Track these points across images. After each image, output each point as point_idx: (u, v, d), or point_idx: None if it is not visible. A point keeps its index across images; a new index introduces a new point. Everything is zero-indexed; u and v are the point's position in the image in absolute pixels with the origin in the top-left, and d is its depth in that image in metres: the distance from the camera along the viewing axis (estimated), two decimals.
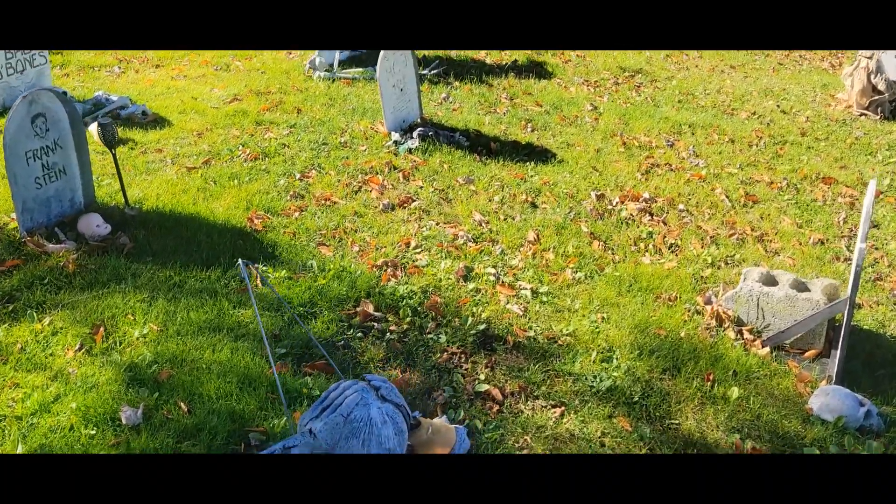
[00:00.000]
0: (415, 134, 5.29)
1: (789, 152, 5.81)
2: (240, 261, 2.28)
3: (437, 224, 4.27)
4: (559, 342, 3.32)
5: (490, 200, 4.60)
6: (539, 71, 7.48)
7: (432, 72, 7.01)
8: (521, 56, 7.93)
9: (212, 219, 4.05)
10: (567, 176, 5.05)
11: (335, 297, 3.45)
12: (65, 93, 5.56)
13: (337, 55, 6.84)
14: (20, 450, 2.47)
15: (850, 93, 7.03)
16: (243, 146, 5.04)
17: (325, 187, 4.57)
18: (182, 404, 2.73)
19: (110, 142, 3.92)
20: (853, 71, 7.08)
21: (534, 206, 4.60)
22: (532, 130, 5.84)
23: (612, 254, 4.11)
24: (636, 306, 3.61)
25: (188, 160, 4.79)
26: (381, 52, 5.16)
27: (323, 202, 4.39)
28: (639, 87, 7.28)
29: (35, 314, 3.17)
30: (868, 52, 6.82)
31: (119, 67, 6.70)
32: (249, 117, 5.58)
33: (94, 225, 3.78)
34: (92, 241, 3.72)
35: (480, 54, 7.90)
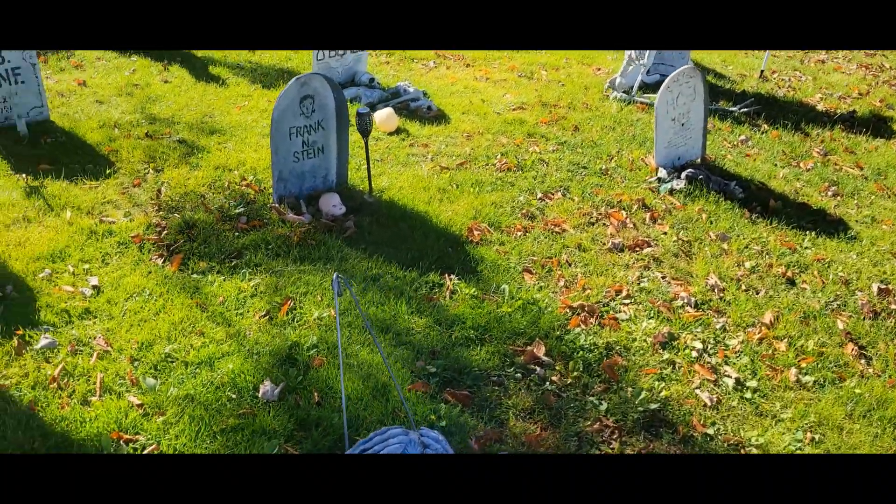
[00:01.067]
0: (683, 174, 4.82)
1: None
2: (335, 275, 2.24)
3: (664, 277, 3.84)
4: (741, 451, 2.77)
5: (739, 265, 4.01)
6: (880, 127, 6.34)
7: (742, 110, 6.34)
8: (863, 106, 6.81)
9: (435, 221, 4.11)
10: (852, 257, 4.20)
11: (511, 329, 3.28)
12: (372, 79, 6.09)
13: (639, 78, 6.52)
14: (172, 393, 2.75)
15: None
16: (503, 155, 5.05)
17: (562, 212, 4.38)
18: (316, 394, 2.81)
19: (363, 130, 4.17)
20: None
21: (791, 283, 3.90)
22: (833, 195, 4.97)
23: (866, 365, 3.32)
24: (866, 437, 2.87)
25: (446, 159, 4.93)
26: (666, 82, 4.77)
27: (551, 227, 4.20)
28: None
29: (248, 273, 3.51)
30: None
31: (434, 62, 7.15)
32: (525, 127, 5.57)
33: (331, 204, 4.07)
34: (325, 219, 4.01)
35: (813, 98, 6.95)
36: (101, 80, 5.71)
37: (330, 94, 4.08)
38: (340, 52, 6.00)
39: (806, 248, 4.26)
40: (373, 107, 5.63)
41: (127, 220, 3.85)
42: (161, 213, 3.97)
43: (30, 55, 4.64)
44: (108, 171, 4.31)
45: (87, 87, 5.57)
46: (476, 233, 4.06)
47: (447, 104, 5.93)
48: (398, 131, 5.31)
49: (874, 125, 6.38)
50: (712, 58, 8.00)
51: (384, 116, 5.23)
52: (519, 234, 4.12)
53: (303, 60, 6.81)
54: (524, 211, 4.34)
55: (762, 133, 5.91)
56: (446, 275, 3.63)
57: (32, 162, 4.31)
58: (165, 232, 3.77)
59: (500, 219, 4.23)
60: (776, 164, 5.37)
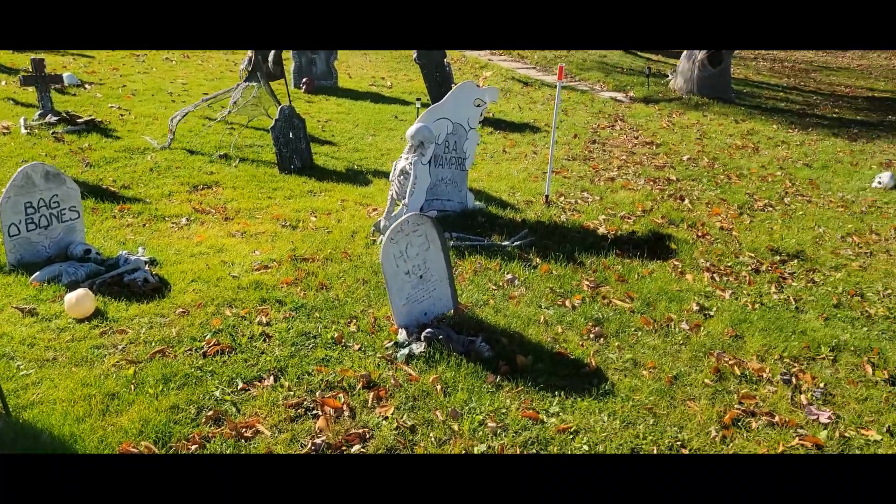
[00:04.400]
0: (423, 335, 4.18)
1: None
2: None
3: None
4: None
5: (466, 451, 3.31)
6: (657, 248, 6.07)
7: (515, 244, 5.91)
8: (644, 225, 6.58)
9: (79, 446, 3.20)
10: (603, 419, 3.61)
11: None
12: (88, 250, 5.23)
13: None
14: None
15: None
16: (216, 333, 4.25)
17: (262, 406, 3.58)
18: None
19: None
20: None
21: None
22: (596, 338, 4.46)
23: None
24: None
25: (141, 348, 4.07)
26: (388, 233, 4.20)
27: (240, 432, 3.38)
28: (786, 279, 5.58)
29: None
30: None
31: (188, 218, 6.38)
32: (260, 292, 4.83)
33: None
34: None
35: (597, 220, 6.67)
36: None
37: None
38: (43, 224, 5.14)
39: (552, 415, 3.64)
40: (76, 285, 4.74)
41: None
42: None
43: None
44: None
45: None
46: (133, 450, 3.16)
47: (176, 271, 5.12)
48: (96, 314, 4.43)
49: (652, 245, 6.12)
50: (500, 185, 7.72)
51: (73, 301, 4.35)
52: (192, 448, 3.26)
53: None
54: (212, 413, 3.51)
55: (532, 269, 5.45)
56: None
57: None
58: None
59: (175, 429, 3.37)
60: (541, 306, 4.87)
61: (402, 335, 4.25)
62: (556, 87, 14.33)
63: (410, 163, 6.05)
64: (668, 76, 14.78)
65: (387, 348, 4.18)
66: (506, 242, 5.94)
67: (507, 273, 5.33)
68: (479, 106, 6.63)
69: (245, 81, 8.76)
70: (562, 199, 7.38)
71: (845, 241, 6.50)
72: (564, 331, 4.52)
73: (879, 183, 8.19)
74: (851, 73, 19.33)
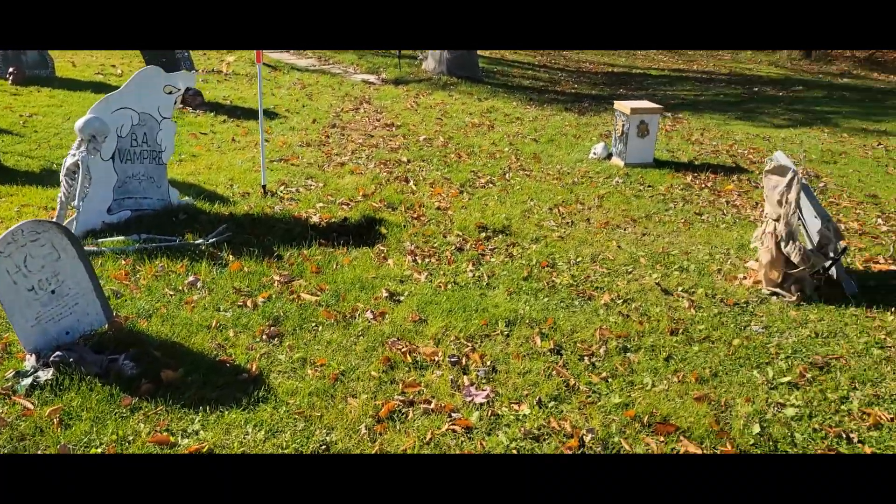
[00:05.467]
0: (50, 360, 3.63)
1: (637, 367, 4.01)
2: None
3: None
4: None
5: None
6: (366, 234, 5.89)
7: (211, 240, 5.45)
8: (358, 212, 6.38)
9: None
10: (247, 432, 3.30)
11: None
12: None
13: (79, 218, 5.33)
14: None
15: (760, 264, 5.26)
16: None
17: None
18: None
19: None
20: (761, 234, 5.35)
21: None
22: (269, 338, 4.15)
23: None
24: None
25: None
26: None
27: None
28: (485, 255, 5.60)
29: None
30: (777, 211, 5.08)
31: None
32: None
33: None
34: None
35: (313, 208, 6.37)
36: None
37: None
38: None
39: (190, 434, 3.27)
40: None
41: None
42: None
43: None
44: None
45: None
46: None
47: None
48: None
49: (362, 231, 5.93)
50: (219, 178, 7.18)
51: None
52: None
53: None
54: None
55: (222, 268, 5.03)
56: None
57: None
58: None
59: None
60: (220, 309, 4.47)
61: (29, 361, 3.67)
62: (305, 70, 13.93)
63: (79, 159, 5.38)
64: (418, 57, 14.86)
65: (7, 380, 3.59)
66: (200, 241, 5.46)
67: (191, 275, 4.87)
68: (171, 93, 6.06)
69: None
70: (283, 188, 7.00)
71: (551, 213, 6.71)
72: (237, 335, 4.17)
73: (594, 154, 8.63)
74: (598, 51, 20.68)
